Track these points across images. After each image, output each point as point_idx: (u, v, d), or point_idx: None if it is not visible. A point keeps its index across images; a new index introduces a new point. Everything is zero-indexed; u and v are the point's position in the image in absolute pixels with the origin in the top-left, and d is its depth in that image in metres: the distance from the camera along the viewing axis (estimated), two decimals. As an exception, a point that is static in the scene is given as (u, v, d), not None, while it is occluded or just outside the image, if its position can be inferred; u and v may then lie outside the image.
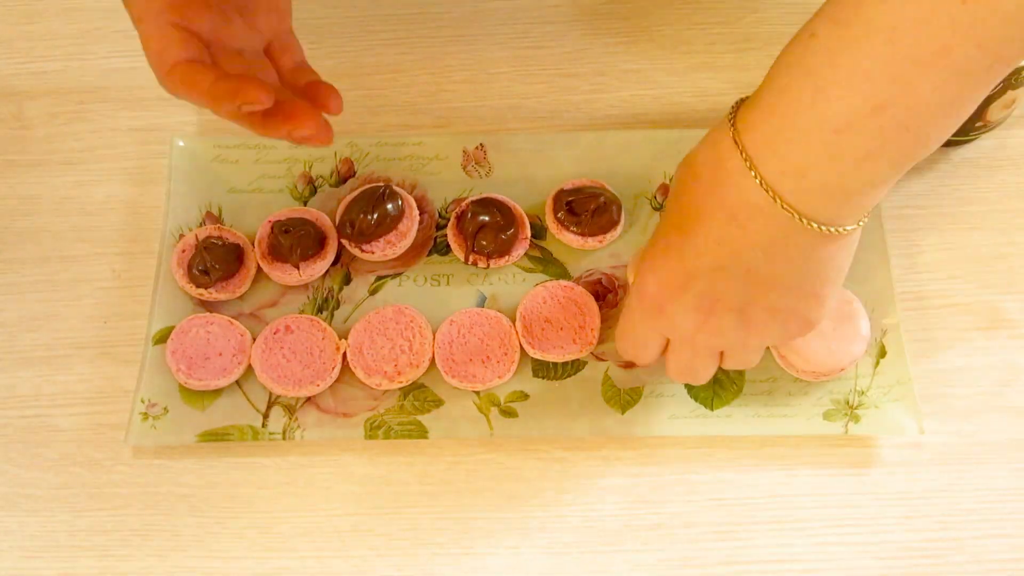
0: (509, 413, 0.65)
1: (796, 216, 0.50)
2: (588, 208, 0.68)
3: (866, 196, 0.50)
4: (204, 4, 0.59)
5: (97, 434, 0.66)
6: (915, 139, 0.47)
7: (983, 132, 0.71)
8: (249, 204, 0.71)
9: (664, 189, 0.71)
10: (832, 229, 0.51)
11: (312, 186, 0.72)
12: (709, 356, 0.59)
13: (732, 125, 0.51)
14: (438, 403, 0.65)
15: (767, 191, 0.50)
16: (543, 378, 0.66)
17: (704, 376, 0.61)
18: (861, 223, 0.52)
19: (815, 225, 0.50)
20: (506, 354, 0.65)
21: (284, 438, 0.64)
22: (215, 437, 0.64)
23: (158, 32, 0.57)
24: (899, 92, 0.46)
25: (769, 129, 0.49)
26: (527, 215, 0.69)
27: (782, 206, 0.50)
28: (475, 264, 0.68)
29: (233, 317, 0.67)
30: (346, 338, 0.66)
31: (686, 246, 0.53)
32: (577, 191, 0.69)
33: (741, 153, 0.50)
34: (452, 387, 0.66)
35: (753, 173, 0.50)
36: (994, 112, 0.68)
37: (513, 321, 0.66)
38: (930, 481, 0.63)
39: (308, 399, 0.65)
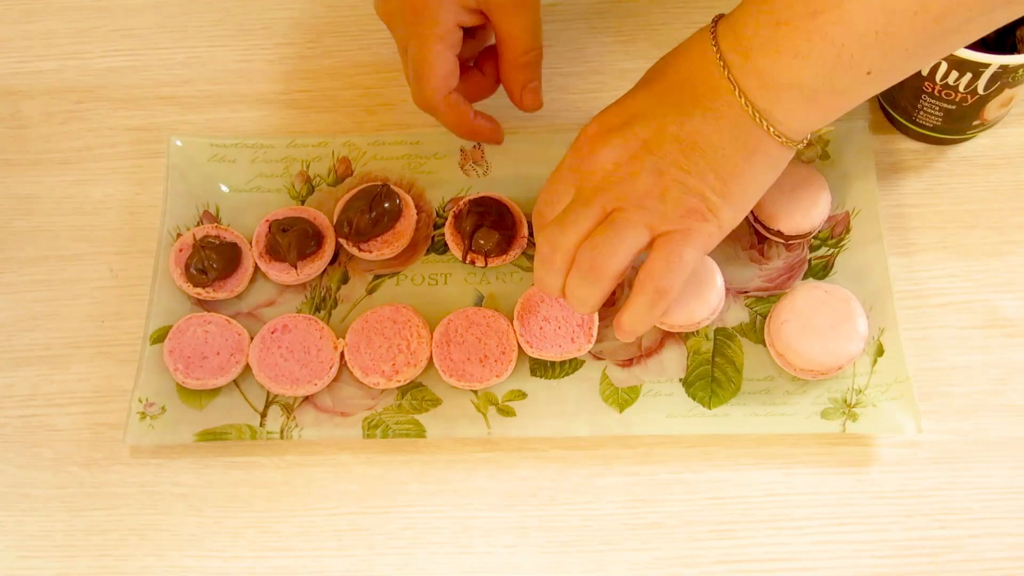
0: (507, 412, 0.65)
1: (736, 91, 0.55)
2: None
3: (797, 103, 0.54)
4: (468, 33, 0.66)
5: (95, 433, 0.66)
6: (839, 56, 0.52)
7: (980, 130, 0.71)
8: (247, 203, 0.71)
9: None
10: (764, 124, 0.55)
11: (310, 185, 0.72)
12: (600, 211, 0.58)
13: (714, 21, 0.57)
14: (436, 402, 0.65)
15: (720, 61, 0.55)
16: (541, 377, 0.66)
17: (559, 260, 0.59)
18: (792, 145, 0.57)
19: (751, 110, 0.55)
20: (504, 353, 0.65)
21: (282, 437, 0.64)
22: (213, 436, 0.64)
23: (442, 58, 0.65)
24: (833, 6, 0.51)
25: (736, 14, 0.55)
26: (525, 215, 0.69)
27: (727, 76, 0.55)
28: (473, 263, 0.68)
29: (231, 316, 0.67)
30: (344, 337, 0.66)
31: (637, 97, 0.58)
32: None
33: (712, 29, 0.56)
34: (450, 386, 0.66)
35: (714, 45, 0.55)
36: (991, 111, 0.68)
37: (511, 320, 0.66)
38: (928, 480, 0.63)
39: (306, 398, 0.65)
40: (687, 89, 0.56)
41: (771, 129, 0.56)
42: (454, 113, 0.67)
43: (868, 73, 0.53)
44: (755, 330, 0.67)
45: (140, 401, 0.65)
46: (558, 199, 0.60)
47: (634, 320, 0.59)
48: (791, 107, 0.55)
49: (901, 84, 0.68)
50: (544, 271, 0.60)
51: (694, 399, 0.65)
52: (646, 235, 0.58)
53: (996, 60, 0.63)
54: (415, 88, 0.66)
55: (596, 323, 0.66)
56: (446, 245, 0.69)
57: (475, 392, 0.65)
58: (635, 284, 0.59)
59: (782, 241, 0.68)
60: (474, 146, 0.72)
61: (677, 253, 0.57)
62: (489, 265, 0.68)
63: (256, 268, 0.69)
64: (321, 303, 0.69)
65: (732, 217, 0.58)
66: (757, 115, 0.55)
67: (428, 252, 0.70)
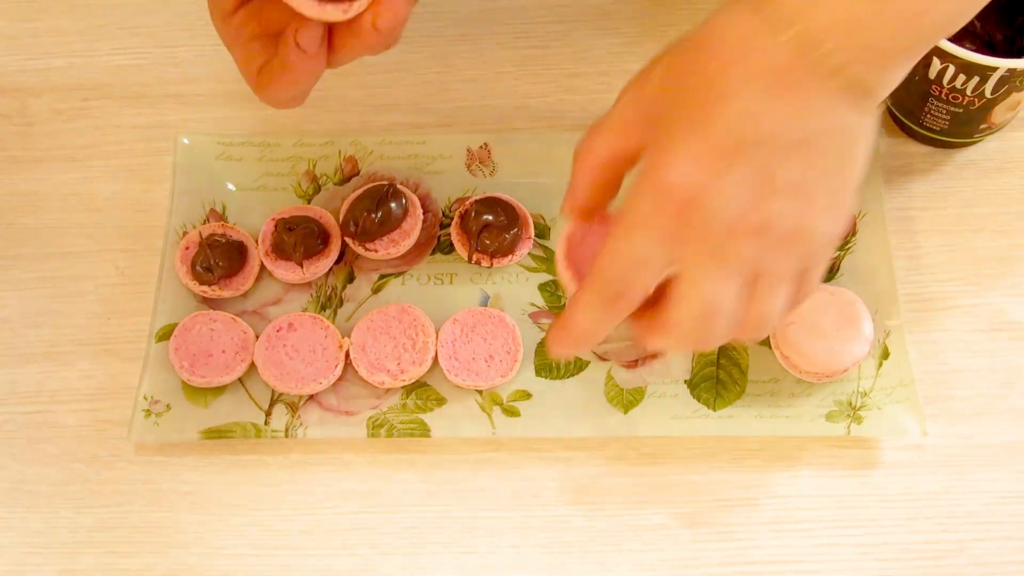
0: (512, 412, 0.65)
1: (837, 77, 0.45)
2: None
3: (895, 67, 0.47)
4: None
5: (100, 431, 0.66)
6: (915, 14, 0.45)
7: (988, 134, 0.71)
8: (253, 202, 0.71)
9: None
10: (869, 99, 0.46)
11: (316, 184, 0.72)
12: (738, 276, 0.47)
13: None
14: (441, 402, 0.65)
15: (800, 52, 0.44)
16: (546, 378, 0.66)
17: (722, 325, 0.48)
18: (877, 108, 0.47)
19: (856, 89, 0.45)
20: (508, 353, 0.65)
21: (287, 436, 0.64)
22: (218, 434, 0.64)
23: (244, 54, 0.56)
24: None
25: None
26: (531, 215, 0.69)
27: (826, 63, 0.44)
28: (478, 263, 0.68)
29: (236, 315, 0.68)
30: (349, 336, 0.66)
31: (713, 122, 0.45)
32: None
33: (767, 17, 0.45)
34: (455, 386, 0.66)
35: (784, 36, 0.44)
36: (999, 114, 0.68)
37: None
38: (932, 483, 0.63)
39: (311, 397, 0.66)
40: (783, 88, 0.45)
41: (875, 102, 0.46)
42: (273, 88, 0.56)
43: (935, 30, 0.47)
44: (760, 332, 0.67)
45: (145, 398, 0.65)
46: (646, 263, 0.47)
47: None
48: (892, 75, 0.47)
49: (908, 87, 0.68)
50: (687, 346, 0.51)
51: (699, 401, 0.65)
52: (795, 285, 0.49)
53: (1004, 64, 0.63)
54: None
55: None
56: (452, 245, 0.69)
57: (480, 392, 0.65)
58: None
59: (788, 243, 0.68)
60: (481, 146, 0.72)
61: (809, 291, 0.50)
62: (495, 265, 0.68)
63: (262, 267, 0.69)
64: (327, 302, 0.69)
65: (850, 213, 0.50)
66: (860, 89, 0.46)
67: (434, 252, 0.70)
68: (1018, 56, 0.64)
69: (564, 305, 0.67)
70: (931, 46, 0.48)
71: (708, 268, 0.47)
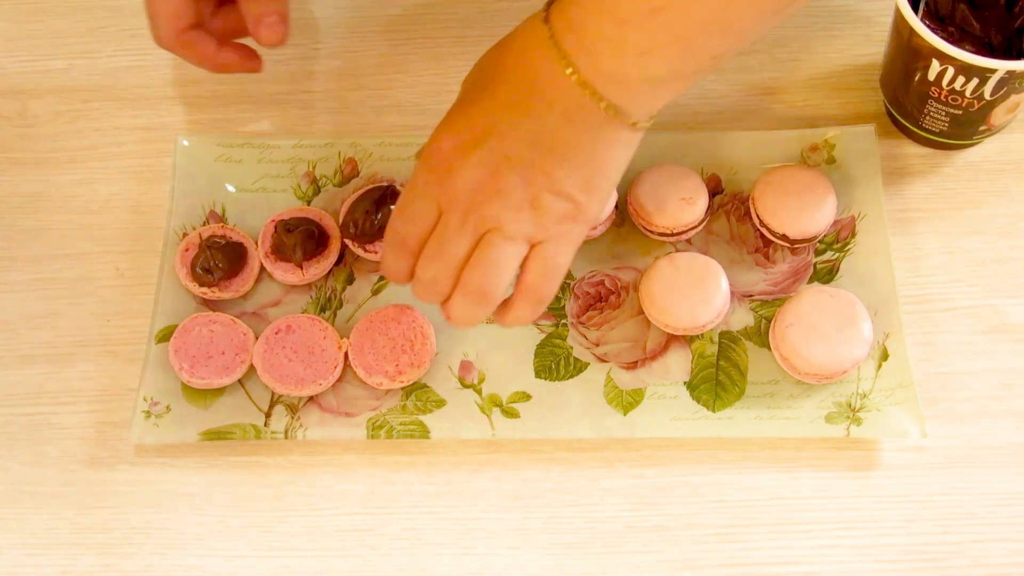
0: (511, 414, 0.65)
1: (588, 92, 0.54)
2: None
3: (648, 93, 0.55)
4: None
5: (100, 432, 0.66)
6: (684, 48, 0.53)
7: (987, 136, 0.71)
8: (253, 203, 0.71)
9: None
10: (619, 116, 0.55)
11: (316, 186, 0.72)
12: (474, 233, 0.57)
13: (546, 10, 0.55)
14: (440, 403, 0.65)
15: (563, 61, 0.53)
16: (545, 379, 0.66)
17: (450, 269, 0.59)
18: (645, 126, 0.56)
19: (602, 105, 0.54)
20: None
21: (286, 437, 0.64)
22: (217, 436, 0.64)
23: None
24: (671, 2, 0.51)
25: (572, 11, 0.54)
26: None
27: (575, 78, 0.53)
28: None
29: (236, 316, 0.68)
30: (348, 337, 0.66)
31: (483, 106, 0.57)
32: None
33: (547, 27, 0.54)
34: (454, 388, 0.66)
35: (552, 44, 0.54)
36: (998, 116, 0.68)
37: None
38: (932, 484, 0.63)
39: (311, 399, 0.66)
40: (536, 93, 0.55)
41: (627, 120, 0.55)
42: (192, 52, 0.65)
43: (713, 57, 0.54)
44: (760, 334, 0.67)
45: (145, 400, 0.65)
46: (420, 218, 0.58)
47: (515, 322, 0.61)
48: (643, 98, 0.55)
49: (907, 89, 0.68)
50: (425, 297, 0.60)
51: (698, 402, 0.65)
52: (525, 247, 0.58)
53: (1003, 65, 0.63)
54: (150, 27, 0.65)
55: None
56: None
57: (480, 393, 0.65)
58: (516, 293, 0.60)
59: (787, 245, 0.68)
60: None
61: (553, 261, 0.58)
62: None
63: (262, 268, 0.69)
64: (326, 303, 0.69)
65: (600, 209, 0.59)
66: (611, 109, 0.54)
67: (433, 253, 0.70)
68: (1017, 58, 0.64)
69: (563, 307, 0.68)
70: (673, 83, 0.55)
71: (446, 234, 0.58)
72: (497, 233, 0.57)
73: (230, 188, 0.72)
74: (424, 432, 0.64)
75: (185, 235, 0.70)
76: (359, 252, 0.69)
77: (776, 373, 0.65)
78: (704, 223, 0.69)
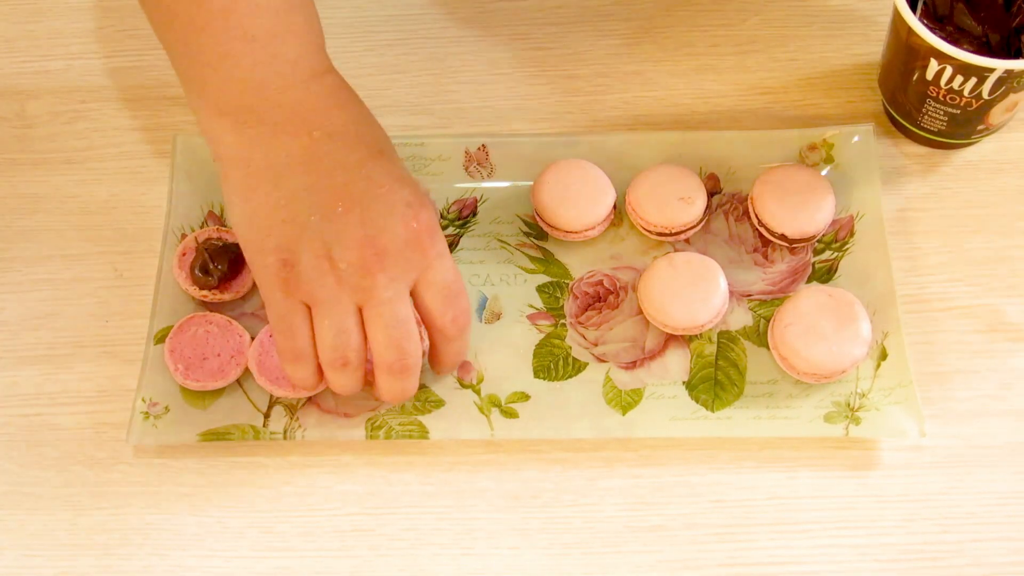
0: (510, 414, 0.65)
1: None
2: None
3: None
4: None
5: (98, 433, 0.66)
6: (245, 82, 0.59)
7: (985, 135, 0.71)
8: (251, 204, 0.71)
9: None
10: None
11: (314, 186, 0.72)
12: (353, 310, 0.58)
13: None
14: (439, 404, 0.65)
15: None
16: (544, 379, 0.66)
17: (352, 349, 0.59)
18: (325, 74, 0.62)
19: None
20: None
21: (285, 438, 0.64)
22: (216, 436, 0.64)
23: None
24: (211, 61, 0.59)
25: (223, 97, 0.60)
26: (529, 215, 0.69)
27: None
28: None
29: (235, 317, 0.67)
30: (347, 338, 0.66)
31: (259, 192, 0.59)
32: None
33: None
34: (453, 388, 0.66)
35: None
36: (996, 115, 0.68)
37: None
38: (930, 484, 0.63)
39: (309, 399, 0.65)
40: (295, 163, 0.59)
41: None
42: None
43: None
44: (758, 333, 0.67)
45: (144, 401, 0.65)
46: (296, 326, 0.59)
47: (450, 363, 0.64)
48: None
49: (906, 88, 0.68)
50: (349, 391, 0.62)
51: (697, 402, 0.65)
52: (405, 293, 0.59)
53: (1001, 65, 0.63)
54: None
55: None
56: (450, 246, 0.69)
57: (478, 393, 0.65)
58: (432, 333, 0.62)
59: (786, 245, 0.68)
60: (478, 148, 0.72)
61: (443, 282, 0.60)
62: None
63: (260, 268, 0.69)
64: (325, 304, 0.69)
65: (413, 192, 0.60)
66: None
67: (432, 253, 0.70)
68: (1015, 57, 0.64)
69: (562, 307, 0.68)
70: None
71: (327, 324, 0.59)
72: (379, 306, 0.58)
73: (228, 188, 0.71)
74: (423, 432, 0.64)
75: (183, 236, 0.69)
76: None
77: (775, 373, 0.65)
78: (703, 223, 0.69)
